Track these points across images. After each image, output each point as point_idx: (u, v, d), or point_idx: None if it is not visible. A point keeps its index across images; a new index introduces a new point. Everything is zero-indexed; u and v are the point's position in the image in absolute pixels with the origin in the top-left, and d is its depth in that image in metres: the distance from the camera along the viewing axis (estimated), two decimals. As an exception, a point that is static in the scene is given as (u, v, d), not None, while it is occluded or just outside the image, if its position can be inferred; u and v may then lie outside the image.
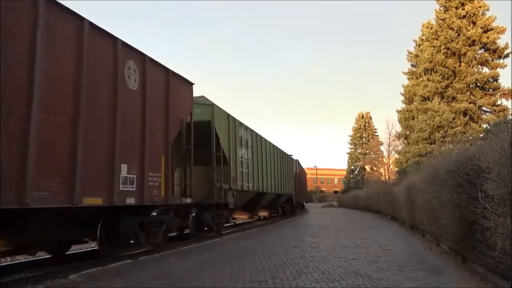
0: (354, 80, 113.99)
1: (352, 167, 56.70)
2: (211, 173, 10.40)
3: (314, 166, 62.00)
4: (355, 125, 57.38)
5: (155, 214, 8.07)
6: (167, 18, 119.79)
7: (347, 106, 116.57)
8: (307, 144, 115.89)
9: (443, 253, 7.58)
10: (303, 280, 5.15)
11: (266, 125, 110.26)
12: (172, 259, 7.18)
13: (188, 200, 8.77)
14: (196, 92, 10.94)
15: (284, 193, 20.30)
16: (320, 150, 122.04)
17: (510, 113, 22.70)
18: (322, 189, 73.85)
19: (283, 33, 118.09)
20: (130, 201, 6.57)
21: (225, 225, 12.51)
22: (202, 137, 10.00)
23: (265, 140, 16.73)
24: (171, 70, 8.10)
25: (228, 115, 12.06)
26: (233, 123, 12.32)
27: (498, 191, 3.85)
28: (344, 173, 60.82)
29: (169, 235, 9.97)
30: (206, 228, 10.66)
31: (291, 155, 23.84)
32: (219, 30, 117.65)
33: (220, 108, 11.51)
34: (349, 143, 57.77)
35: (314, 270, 5.83)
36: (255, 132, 15.16)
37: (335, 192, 68.27)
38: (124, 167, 6.40)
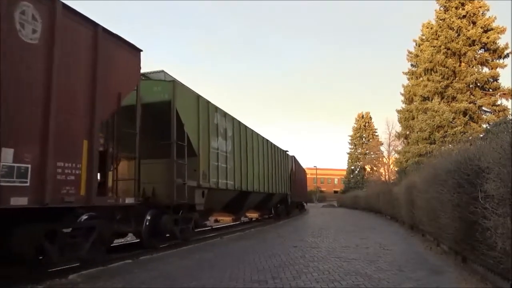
0: (354, 80, 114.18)
1: (352, 167, 56.76)
2: (170, 167, 8.49)
3: (314, 166, 62.06)
4: (355, 125, 57.47)
5: (86, 217, 6.19)
6: (166, 19, 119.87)
7: (347, 106, 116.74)
8: (307, 144, 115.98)
9: (443, 253, 7.59)
10: (303, 280, 5.15)
11: (266, 125, 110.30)
12: (172, 259, 7.18)
13: (130, 201, 6.84)
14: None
15: (277, 192, 18.29)
16: (320, 150, 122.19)
17: (510, 113, 22.72)
18: (322, 189, 73.84)
19: (283, 33, 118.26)
20: (19, 201, 4.63)
21: (199, 229, 10.62)
22: (163, 122, 8.43)
23: (252, 131, 14.52)
24: (102, 27, 6.13)
25: (199, 96, 9.83)
26: (205, 107, 10.15)
27: (498, 191, 3.85)
28: (344, 173, 60.86)
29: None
30: (168, 235, 8.84)
31: (287, 150, 21.99)
32: (219, 30, 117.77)
33: (186, 87, 9.46)
34: (349, 143, 57.95)
35: (314, 270, 5.82)
36: (238, 121, 12.92)
37: (335, 192, 68.28)
38: (7, 152, 4.49)
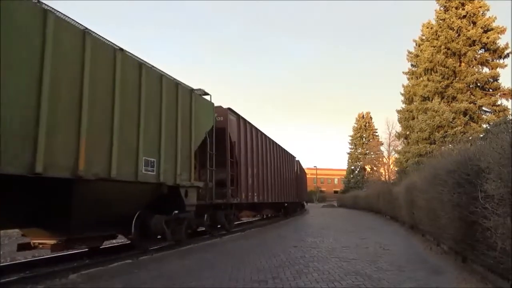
0: (354, 80, 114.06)
1: (352, 167, 56.76)
2: None
3: (314, 166, 62.13)
4: (356, 125, 57.49)
5: None
6: (167, 19, 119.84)
7: (348, 106, 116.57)
8: (307, 144, 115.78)
9: (443, 253, 7.59)
10: (303, 280, 5.15)
11: (266, 125, 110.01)
12: (172, 259, 7.18)
13: None
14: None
15: (139, 180, 6.95)
16: (320, 150, 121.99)
17: (510, 113, 22.71)
18: (322, 189, 73.91)
19: (283, 33, 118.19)
20: None
21: None
22: None
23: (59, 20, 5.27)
24: None
25: None
26: None
27: (498, 191, 3.85)
28: (344, 173, 60.87)
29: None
30: None
31: (218, 105, 11.17)
32: (219, 30, 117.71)
33: None
34: (349, 143, 57.93)
35: (314, 270, 5.83)
36: None
37: (335, 192, 68.34)
38: None
